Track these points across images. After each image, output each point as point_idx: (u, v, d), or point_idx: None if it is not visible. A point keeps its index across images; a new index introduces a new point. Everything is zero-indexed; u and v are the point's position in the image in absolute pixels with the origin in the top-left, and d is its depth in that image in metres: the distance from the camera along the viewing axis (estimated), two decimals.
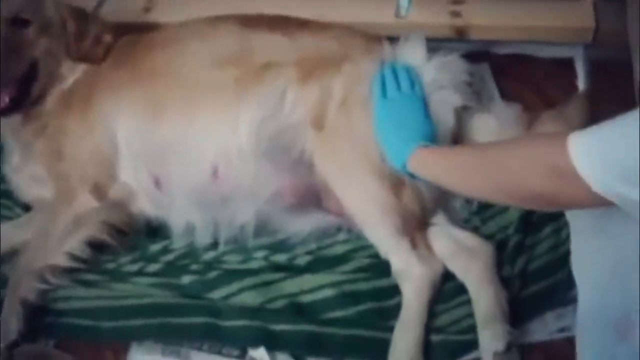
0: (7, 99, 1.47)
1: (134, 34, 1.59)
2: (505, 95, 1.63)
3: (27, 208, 1.59)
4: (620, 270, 1.17)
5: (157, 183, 1.47)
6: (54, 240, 1.44)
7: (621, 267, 1.17)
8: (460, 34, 1.63)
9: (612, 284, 1.20)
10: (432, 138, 1.31)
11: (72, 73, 1.54)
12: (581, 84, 1.64)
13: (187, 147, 1.43)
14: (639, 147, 0.84)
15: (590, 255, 1.29)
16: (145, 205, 1.50)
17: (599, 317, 1.21)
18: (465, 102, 1.44)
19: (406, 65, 1.41)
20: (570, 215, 1.39)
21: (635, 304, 1.11)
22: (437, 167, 1.21)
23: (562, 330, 1.35)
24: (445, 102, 1.41)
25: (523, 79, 1.67)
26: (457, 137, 1.44)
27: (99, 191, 1.47)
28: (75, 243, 1.44)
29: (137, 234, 1.52)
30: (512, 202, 1.19)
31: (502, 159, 1.07)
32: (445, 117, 1.40)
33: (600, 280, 1.24)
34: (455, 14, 1.64)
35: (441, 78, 1.42)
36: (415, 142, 1.25)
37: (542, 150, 0.99)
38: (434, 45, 1.47)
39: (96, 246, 1.47)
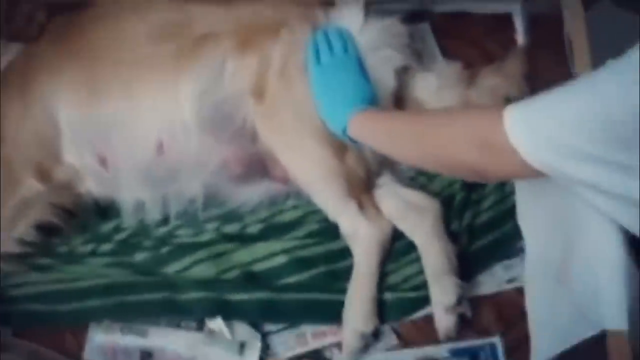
0: None
1: (69, 12, 1.55)
2: (447, 54, 1.63)
3: None
4: (560, 223, 1.21)
5: (103, 162, 1.45)
6: (2, 227, 1.41)
7: (560, 219, 1.20)
8: None
9: (553, 235, 1.23)
10: (371, 100, 1.31)
11: (6, 54, 1.50)
12: (520, 38, 1.65)
13: (130, 123, 1.42)
14: (571, 122, 0.85)
15: (533, 210, 1.32)
16: (92, 185, 1.48)
17: (543, 265, 1.25)
18: (405, 63, 1.45)
19: (338, 28, 1.41)
20: None
21: (571, 252, 1.15)
22: (372, 132, 1.22)
23: (510, 280, 1.38)
24: (385, 63, 1.41)
25: (463, 36, 1.67)
26: (400, 98, 1.45)
27: (42, 174, 1.44)
28: (23, 228, 1.43)
29: (87, 215, 1.50)
30: (445, 172, 1.22)
31: (435, 129, 1.08)
32: (386, 78, 1.41)
33: (543, 232, 1.28)
34: None
35: (380, 40, 1.42)
36: (353, 106, 1.26)
37: (475, 123, 1.00)
38: (374, 7, 1.47)
39: (46, 230, 1.46)
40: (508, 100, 1.44)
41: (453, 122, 1.06)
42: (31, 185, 1.44)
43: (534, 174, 0.93)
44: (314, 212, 1.45)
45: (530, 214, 1.32)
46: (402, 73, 1.45)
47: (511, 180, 1.32)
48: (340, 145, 1.36)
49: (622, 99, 0.81)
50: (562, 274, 1.17)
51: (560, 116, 0.87)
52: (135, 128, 1.42)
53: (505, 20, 1.68)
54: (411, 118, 1.20)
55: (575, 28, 1.29)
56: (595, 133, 0.84)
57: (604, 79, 0.85)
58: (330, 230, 1.41)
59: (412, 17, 1.60)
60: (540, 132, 0.89)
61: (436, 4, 1.69)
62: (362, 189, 1.39)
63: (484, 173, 1.02)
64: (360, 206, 1.37)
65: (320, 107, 1.34)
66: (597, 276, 1.07)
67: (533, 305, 1.27)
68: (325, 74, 1.35)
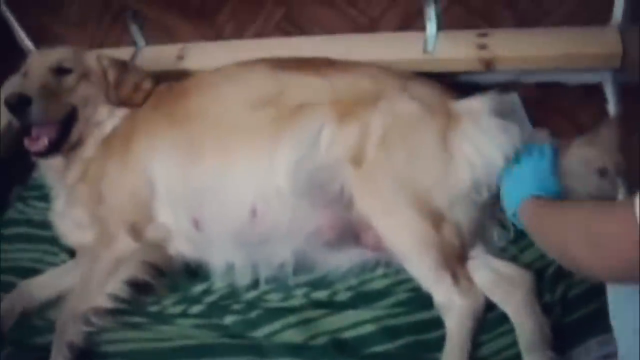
0: (46, 141, 1.55)
1: (171, 81, 1.64)
2: (537, 124, 1.63)
3: (72, 254, 1.63)
4: None
5: (196, 224, 1.50)
6: (96, 282, 1.47)
7: None
8: (488, 66, 1.65)
9: None
10: (551, 192, 1.30)
11: (112, 119, 1.61)
12: (611, 108, 1.64)
13: (226, 188, 1.46)
14: None
15: (624, 298, 1.28)
16: (183, 246, 1.53)
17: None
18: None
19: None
20: None
21: None
22: (534, 222, 1.22)
23: (605, 357, 1.33)
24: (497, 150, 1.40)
25: (554, 107, 1.67)
26: None
27: (136, 232, 1.50)
28: (116, 284, 1.48)
29: (178, 276, 1.55)
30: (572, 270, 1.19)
31: (557, 227, 1.08)
32: (494, 159, 1.39)
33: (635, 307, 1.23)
34: (482, 47, 1.65)
35: (495, 131, 1.41)
36: (530, 192, 1.27)
37: (587, 219, 0.99)
38: (464, 77, 1.49)
39: (137, 287, 1.50)
40: (602, 173, 1.43)
41: (572, 223, 1.04)
42: (125, 243, 1.50)
43: None
44: (403, 281, 1.45)
45: (621, 300, 1.28)
46: None
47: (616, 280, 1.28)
48: (438, 216, 1.36)
49: None
50: None
51: None
52: (230, 192, 1.47)
53: (596, 91, 1.67)
54: (558, 211, 1.16)
55: None
56: None
57: None
58: (419, 300, 1.41)
59: (501, 88, 1.60)
60: None
61: (525, 75, 1.70)
62: (456, 260, 1.38)
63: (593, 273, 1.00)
64: (454, 278, 1.36)
65: (503, 187, 1.36)
66: None
67: None
68: (518, 162, 1.37)
